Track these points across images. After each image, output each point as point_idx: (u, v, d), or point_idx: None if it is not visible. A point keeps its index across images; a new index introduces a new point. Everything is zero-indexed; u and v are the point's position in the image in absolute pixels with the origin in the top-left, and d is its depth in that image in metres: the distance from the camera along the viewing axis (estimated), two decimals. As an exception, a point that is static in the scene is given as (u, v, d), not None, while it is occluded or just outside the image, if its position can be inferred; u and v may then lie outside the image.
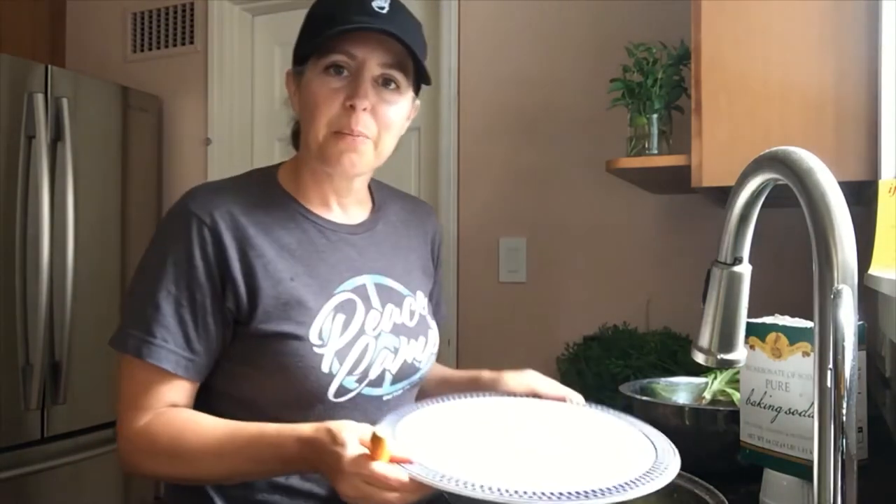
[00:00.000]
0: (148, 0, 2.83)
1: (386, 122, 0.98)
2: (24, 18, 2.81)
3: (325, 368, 0.95)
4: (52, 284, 2.27)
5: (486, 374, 1.12)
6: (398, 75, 0.98)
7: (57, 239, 2.29)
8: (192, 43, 2.76)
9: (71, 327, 2.31)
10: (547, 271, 2.22)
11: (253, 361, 0.96)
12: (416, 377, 1.09)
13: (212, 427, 0.91)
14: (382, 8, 0.95)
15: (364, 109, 0.95)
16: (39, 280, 2.22)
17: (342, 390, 0.97)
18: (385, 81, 0.98)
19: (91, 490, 2.42)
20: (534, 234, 2.23)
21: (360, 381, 0.99)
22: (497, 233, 2.27)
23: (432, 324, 1.14)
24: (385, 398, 1.04)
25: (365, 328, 1.01)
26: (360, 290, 1.02)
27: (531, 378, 1.08)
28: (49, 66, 2.32)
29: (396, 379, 1.04)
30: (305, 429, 0.84)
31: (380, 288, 1.05)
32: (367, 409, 1.01)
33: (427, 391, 1.18)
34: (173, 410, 0.94)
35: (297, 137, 1.09)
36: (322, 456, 0.81)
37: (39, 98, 2.24)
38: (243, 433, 0.89)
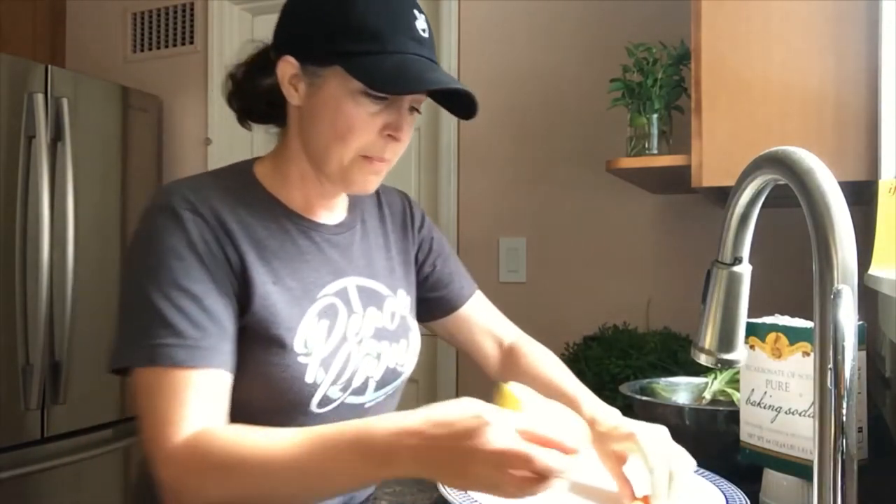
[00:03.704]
0: (148, 0, 2.83)
1: (406, 144, 0.95)
2: (24, 18, 2.81)
3: (309, 379, 0.90)
4: (52, 284, 2.27)
5: (587, 413, 0.96)
6: (420, 99, 0.95)
7: (57, 239, 2.29)
8: (192, 43, 2.76)
9: (71, 327, 2.31)
10: (547, 271, 2.22)
11: (237, 369, 0.88)
12: (398, 382, 1.05)
13: (279, 431, 0.77)
14: (425, 31, 0.90)
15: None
16: (39, 280, 2.22)
17: (326, 400, 0.93)
18: (413, 106, 0.94)
19: (91, 490, 2.42)
20: (534, 234, 2.23)
21: (343, 389, 0.95)
22: (497, 233, 2.27)
23: (413, 325, 1.09)
24: (367, 405, 1.00)
25: (347, 334, 0.96)
26: (342, 294, 0.98)
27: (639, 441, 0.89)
28: (49, 66, 2.32)
29: (380, 385, 1.01)
30: (410, 419, 0.69)
31: (361, 290, 1.01)
32: (348, 417, 0.93)
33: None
34: (219, 426, 0.81)
35: (248, 114, 1.01)
36: (451, 440, 0.66)
37: (39, 98, 2.24)
38: (323, 429, 0.75)
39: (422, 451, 0.67)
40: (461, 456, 0.65)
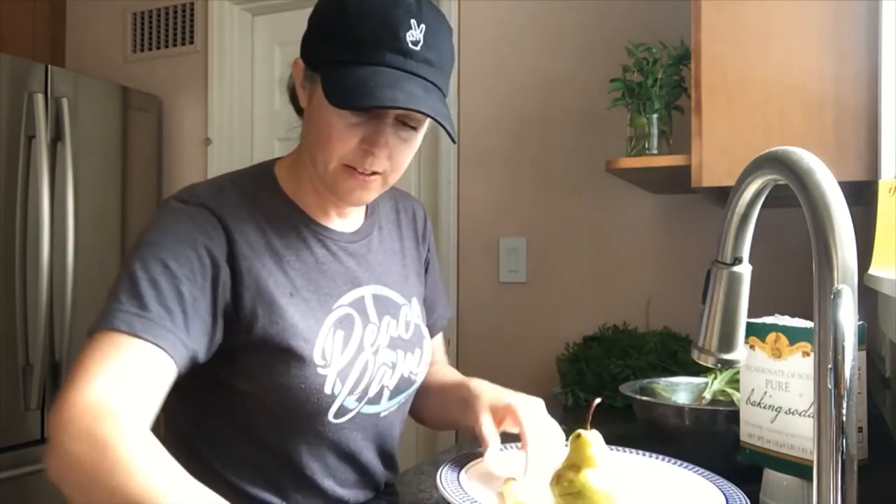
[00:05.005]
0: (148, 0, 2.83)
1: (400, 161, 0.92)
2: (24, 18, 2.81)
3: (327, 390, 0.90)
4: (52, 284, 2.27)
5: (472, 388, 1.02)
6: (417, 115, 0.88)
7: (57, 239, 2.29)
8: (192, 43, 2.76)
9: (71, 327, 2.31)
10: (547, 271, 2.22)
11: (254, 379, 0.89)
12: (411, 390, 1.05)
13: (169, 469, 0.72)
14: (417, 42, 0.84)
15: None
16: (39, 280, 2.22)
17: (342, 410, 0.94)
18: (403, 121, 0.90)
19: (91, 490, 2.42)
20: (534, 234, 2.23)
21: (359, 399, 0.95)
22: (497, 233, 2.27)
23: (426, 333, 1.09)
24: (382, 414, 1.00)
25: (364, 344, 0.96)
26: (358, 304, 0.97)
27: (511, 403, 0.96)
28: (49, 66, 2.31)
29: (394, 394, 1.01)
30: None
31: (377, 299, 1.00)
32: (364, 426, 0.98)
33: (427, 399, 1.14)
34: (137, 420, 0.74)
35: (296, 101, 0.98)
36: None
37: (39, 98, 2.24)
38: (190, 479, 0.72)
39: None
40: None
